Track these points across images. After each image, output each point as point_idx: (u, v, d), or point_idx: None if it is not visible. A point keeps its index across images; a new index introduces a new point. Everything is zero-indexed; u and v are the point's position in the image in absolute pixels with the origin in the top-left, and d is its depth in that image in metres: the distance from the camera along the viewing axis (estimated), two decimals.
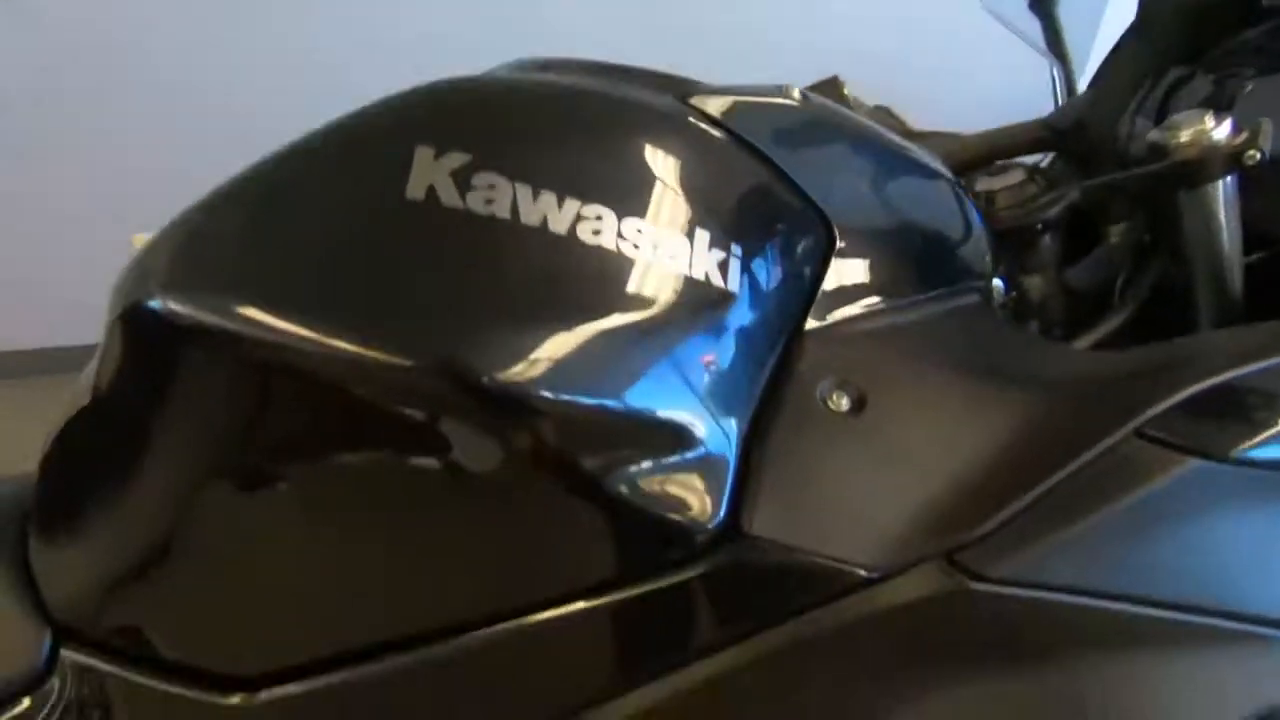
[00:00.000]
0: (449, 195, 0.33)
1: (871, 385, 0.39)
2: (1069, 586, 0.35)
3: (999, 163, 0.60)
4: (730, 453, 0.36)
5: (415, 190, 0.33)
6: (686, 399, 0.35)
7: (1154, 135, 0.50)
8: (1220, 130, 0.48)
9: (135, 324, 0.34)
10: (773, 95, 0.43)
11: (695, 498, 0.35)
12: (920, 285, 0.45)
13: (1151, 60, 0.54)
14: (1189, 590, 0.36)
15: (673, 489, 0.35)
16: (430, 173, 0.33)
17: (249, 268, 0.33)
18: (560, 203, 0.34)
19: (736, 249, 0.38)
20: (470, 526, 0.35)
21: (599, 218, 0.35)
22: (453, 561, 0.35)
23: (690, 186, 0.38)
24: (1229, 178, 0.49)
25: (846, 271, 0.42)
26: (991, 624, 0.35)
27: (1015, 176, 0.56)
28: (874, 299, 0.43)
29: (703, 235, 0.37)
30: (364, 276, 0.33)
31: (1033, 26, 0.73)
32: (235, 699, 0.37)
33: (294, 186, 0.35)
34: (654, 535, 0.35)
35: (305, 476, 0.34)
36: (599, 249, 0.34)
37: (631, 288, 0.35)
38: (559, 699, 0.37)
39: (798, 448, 0.37)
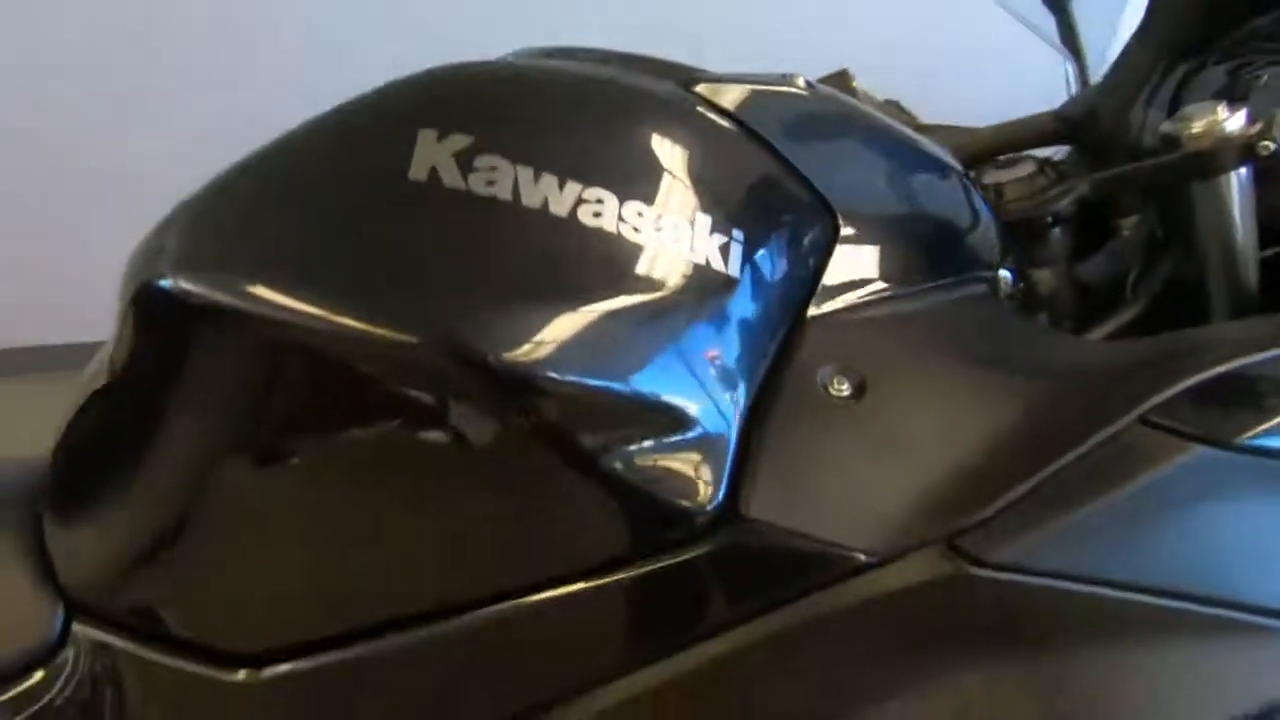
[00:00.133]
0: (451, 176, 0.34)
1: (873, 371, 0.39)
2: (1070, 573, 0.35)
3: (1008, 155, 0.59)
4: (729, 436, 0.36)
5: (418, 171, 0.34)
6: (686, 381, 0.35)
7: (1166, 127, 0.50)
8: (1234, 121, 0.48)
9: (147, 304, 0.34)
10: (778, 84, 0.44)
11: (694, 479, 0.35)
12: (925, 274, 0.45)
13: (1163, 51, 0.54)
14: (1191, 579, 0.36)
15: (671, 470, 0.35)
16: (433, 154, 0.34)
17: (258, 247, 0.34)
18: (561, 185, 0.34)
19: (738, 234, 0.38)
20: (472, 505, 0.35)
21: (600, 200, 0.35)
22: (455, 540, 0.36)
23: (692, 172, 0.38)
24: (1243, 169, 0.49)
25: (850, 260, 0.42)
26: (991, 609, 0.35)
27: (1025, 169, 0.56)
28: (878, 287, 0.43)
29: (704, 220, 0.37)
30: (368, 255, 0.33)
31: (1047, 22, 0.73)
32: (240, 675, 0.38)
33: (301, 167, 0.36)
34: (652, 516, 0.35)
35: (310, 454, 0.35)
36: (599, 231, 0.35)
37: (632, 270, 0.35)
38: (558, 679, 0.37)
39: (797, 432, 0.37)
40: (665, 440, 0.35)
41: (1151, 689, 0.36)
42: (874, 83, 0.64)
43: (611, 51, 0.45)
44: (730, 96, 0.41)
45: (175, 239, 0.35)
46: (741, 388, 0.37)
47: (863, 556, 0.35)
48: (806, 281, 0.41)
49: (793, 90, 0.44)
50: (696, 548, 0.35)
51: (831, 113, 0.45)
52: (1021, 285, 0.52)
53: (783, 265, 0.40)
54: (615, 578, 0.36)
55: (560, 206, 0.34)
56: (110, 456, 0.39)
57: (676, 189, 0.37)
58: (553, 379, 0.33)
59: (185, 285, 0.33)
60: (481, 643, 0.37)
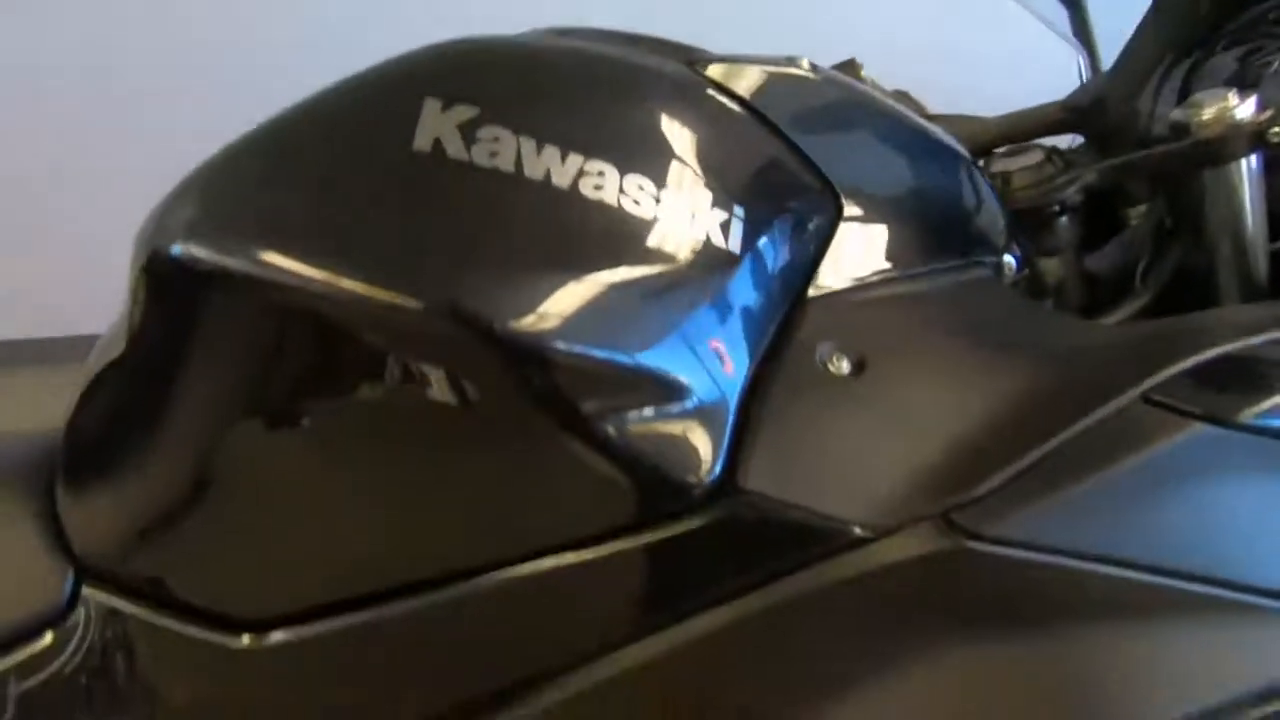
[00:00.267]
0: (455, 147, 0.34)
1: (872, 349, 0.39)
2: (1067, 549, 0.35)
3: (1017, 144, 0.59)
4: (728, 409, 0.36)
5: (422, 142, 0.34)
6: (685, 354, 0.36)
7: (1176, 114, 0.50)
8: (1244, 108, 0.48)
9: (157, 270, 0.35)
10: (783, 66, 0.44)
11: (692, 450, 0.35)
12: (928, 257, 0.45)
13: (1170, 37, 0.53)
14: (1190, 558, 0.36)
15: (670, 441, 0.35)
16: (437, 125, 0.34)
17: (266, 214, 0.35)
18: (564, 157, 0.35)
19: (739, 211, 0.38)
20: (473, 472, 0.36)
21: (601, 173, 0.35)
22: (455, 506, 0.36)
23: (694, 149, 0.38)
24: (1253, 156, 0.49)
25: (853, 241, 0.42)
26: (987, 584, 0.35)
27: (1033, 157, 0.56)
28: (880, 268, 0.43)
29: (705, 196, 0.37)
30: (373, 222, 0.34)
31: (1060, 16, 0.73)
32: (244, 640, 0.38)
33: (309, 137, 0.36)
34: (651, 486, 0.35)
35: (314, 418, 0.35)
36: (601, 204, 0.35)
37: (632, 243, 0.36)
38: (558, 649, 0.38)
39: (796, 408, 0.37)
40: (664, 411, 0.35)
41: (1148, 668, 0.36)
42: (880, 75, 0.64)
43: (620, 32, 0.45)
44: (735, 77, 0.42)
45: (185, 207, 0.35)
46: (740, 363, 0.37)
47: (859, 530, 0.35)
48: (808, 261, 0.41)
49: (797, 72, 0.44)
50: (694, 519, 0.36)
51: (836, 95, 0.45)
52: (1027, 271, 0.52)
53: (784, 244, 0.40)
54: (614, 548, 0.36)
55: (562, 178, 0.35)
56: (121, 424, 0.40)
57: (678, 165, 0.37)
58: (553, 347, 0.33)
59: (195, 251, 0.34)
60: (481, 611, 0.37)
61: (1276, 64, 0.51)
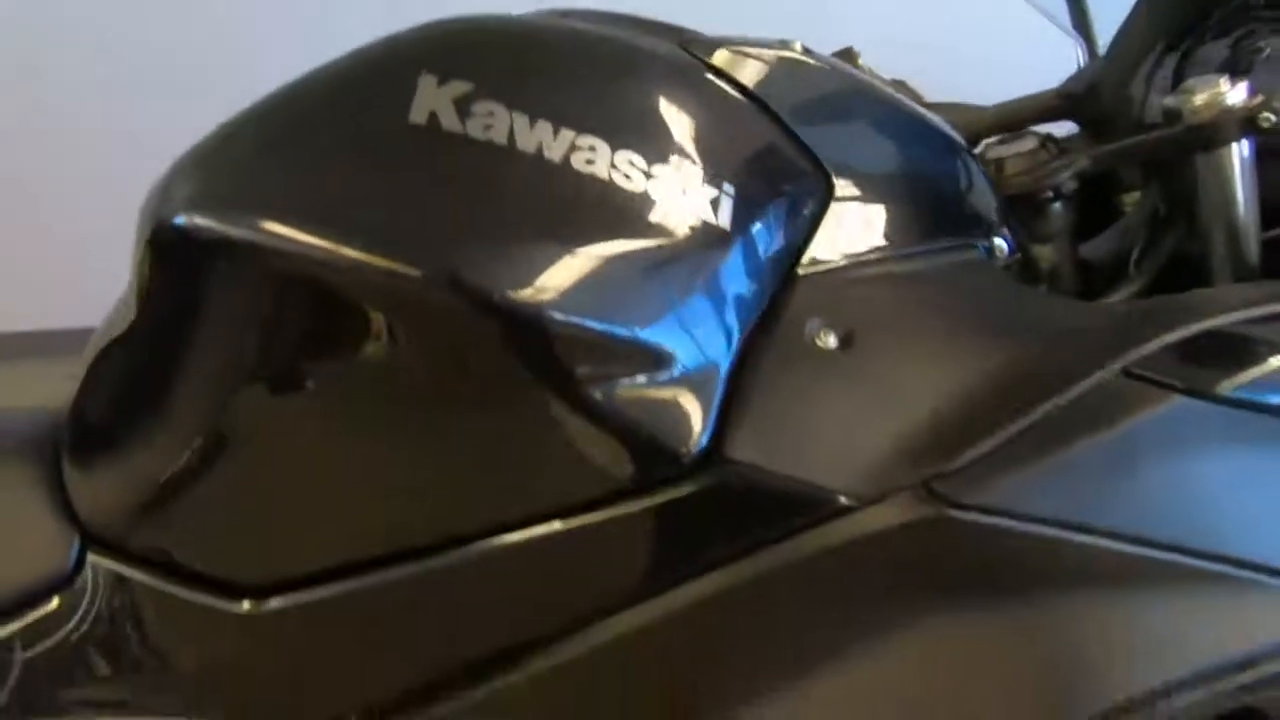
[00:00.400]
0: (450, 120, 0.35)
1: (860, 324, 0.40)
2: (1047, 517, 0.35)
3: (1011, 132, 0.60)
4: (716, 380, 0.37)
5: (418, 115, 0.35)
6: (674, 326, 0.37)
7: (1169, 100, 0.50)
8: (1235, 94, 0.48)
9: (162, 241, 0.36)
10: (775, 48, 0.45)
11: (681, 419, 0.36)
12: (918, 237, 0.45)
13: (1162, 22, 0.54)
14: (1169, 528, 0.36)
15: (659, 409, 0.36)
16: (433, 99, 0.35)
17: (267, 185, 0.36)
18: (556, 132, 0.36)
19: (729, 188, 0.39)
20: (467, 439, 0.37)
21: (592, 148, 0.36)
22: (450, 474, 0.37)
23: (685, 127, 0.39)
24: (1244, 141, 0.49)
25: (843, 221, 0.43)
26: (968, 551, 0.36)
27: (1027, 144, 0.56)
28: (870, 248, 0.43)
29: (695, 172, 0.38)
30: (371, 193, 0.35)
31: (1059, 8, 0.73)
32: (245, 605, 0.39)
33: (308, 110, 0.37)
34: (641, 453, 0.36)
35: (314, 386, 0.36)
36: (592, 178, 0.36)
37: (622, 216, 0.36)
38: (553, 614, 0.38)
39: (783, 380, 0.38)
40: (653, 380, 0.36)
41: (1127, 636, 0.36)
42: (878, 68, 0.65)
43: (615, 13, 0.46)
44: (728, 58, 0.43)
45: (188, 180, 0.36)
46: (728, 336, 0.38)
47: (844, 499, 0.36)
48: (798, 239, 0.42)
49: (791, 55, 0.45)
50: (683, 487, 0.37)
51: (829, 78, 0.46)
52: (1018, 255, 0.53)
53: (775, 222, 0.41)
54: (604, 515, 0.37)
55: (554, 152, 0.36)
56: (127, 394, 0.41)
57: (669, 142, 0.38)
58: (545, 315, 0.34)
59: (198, 221, 0.35)
60: (473, 578, 0.38)
61: (1268, 50, 0.51)
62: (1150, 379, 0.36)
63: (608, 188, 0.36)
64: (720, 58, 0.43)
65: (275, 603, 0.39)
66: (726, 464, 0.36)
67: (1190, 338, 0.37)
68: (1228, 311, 0.38)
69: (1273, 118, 0.48)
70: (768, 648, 0.38)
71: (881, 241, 0.44)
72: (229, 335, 0.37)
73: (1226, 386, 0.37)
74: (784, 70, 0.44)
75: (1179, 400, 0.36)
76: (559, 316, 0.34)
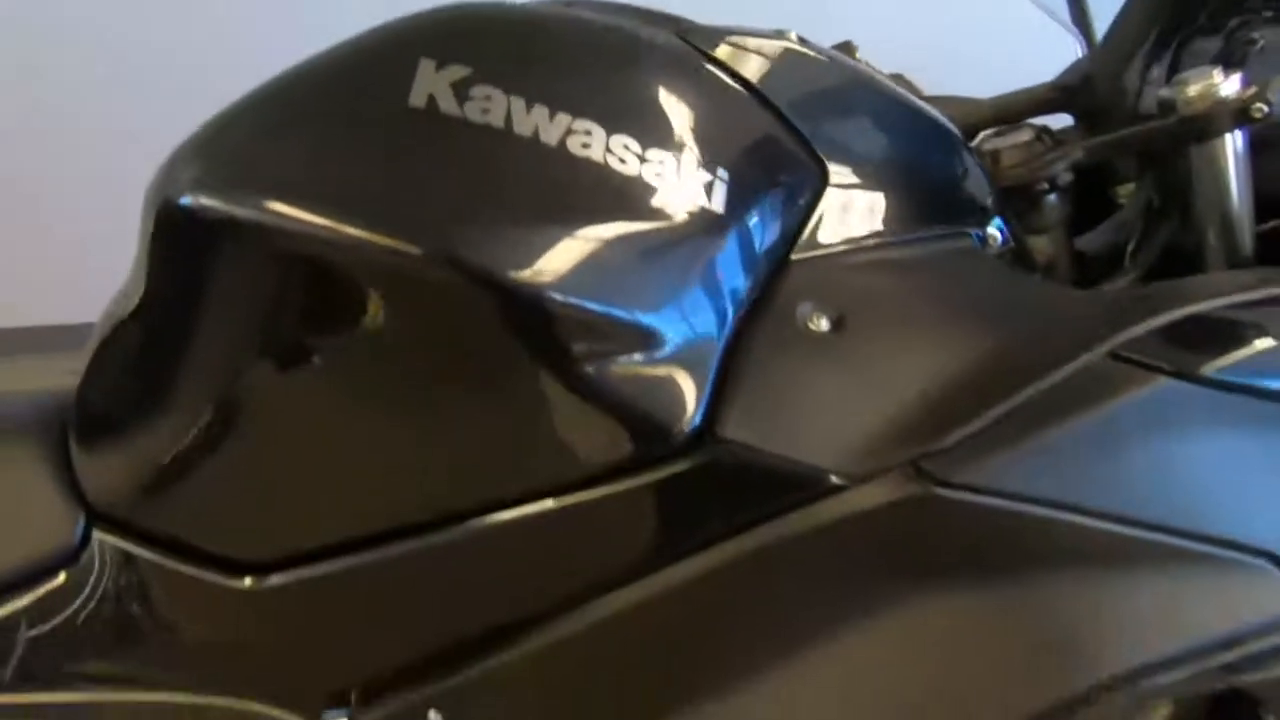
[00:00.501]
0: (448, 104, 0.36)
1: (851, 308, 0.40)
2: (1034, 496, 0.36)
3: (1008, 124, 0.60)
4: (708, 360, 0.38)
5: (417, 98, 0.36)
6: (666, 306, 0.37)
7: (1163, 92, 0.50)
8: (1229, 85, 0.49)
9: (167, 221, 0.37)
10: (772, 38, 0.45)
11: (674, 398, 0.37)
12: (911, 225, 0.46)
13: (1156, 14, 0.54)
14: (1153, 508, 0.37)
15: (653, 387, 0.37)
16: (431, 83, 0.36)
17: (269, 166, 0.36)
18: (552, 116, 0.37)
19: (723, 174, 0.40)
20: (463, 417, 0.37)
21: (588, 132, 0.37)
22: (447, 451, 0.38)
23: (680, 113, 0.40)
24: (1238, 132, 0.49)
25: (837, 208, 0.44)
26: (955, 529, 0.36)
27: (1023, 136, 0.57)
28: (863, 234, 0.44)
29: (689, 157, 0.39)
30: (371, 174, 0.36)
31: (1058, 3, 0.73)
32: (246, 582, 0.40)
33: (309, 93, 0.38)
34: (634, 431, 0.37)
35: (316, 362, 0.37)
36: (587, 161, 0.37)
37: (617, 199, 0.37)
38: (546, 592, 0.39)
39: (775, 362, 0.39)
40: (646, 359, 0.36)
41: (1111, 615, 0.37)
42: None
43: (615, 3, 0.47)
44: (724, 47, 0.43)
45: (193, 162, 0.37)
46: (722, 318, 0.39)
47: (834, 477, 0.36)
48: (792, 226, 0.43)
49: (785, 44, 0.46)
50: (675, 465, 0.37)
51: (824, 66, 0.47)
52: (1012, 244, 0.53)
53: (769, 208, 0.42)
54: (599, 492, 0.37)
55: (550, 136, 0.37)
56: (133, 374, 0.41)
57: (664, 127, 0.39)
58: (539, 294, 0.35)
59: (203, 201, 0.36)
60: (470, 556, 0.39)
61: (1261, 41, 0.52)
62: (1137, 361, 0.37)
63: (603, 171, 0.37)
64: (717, 47, 0.43)
65: (276, 579, 0.40)
66: (719, 443, 0.37)
67: (1177, 322, 0.38)
68: (1215, 296, 0.39)
69: (1265, 108, 0.48)
70: (760, 624, 0.38)
71: (875, 228, 0.44)
72: (233, 313, 0.38)
73: (1212, 368, 0.37)
74: (780, 59, 0.45)
75: (1165, 382, 0.37)
76: (553, 295, 0.35)
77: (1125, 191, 0.59)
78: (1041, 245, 0.58)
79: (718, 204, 0.39)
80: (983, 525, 0.36)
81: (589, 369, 0.36)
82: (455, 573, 0.39)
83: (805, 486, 0.37)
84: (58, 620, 0.42)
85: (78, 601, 0.42)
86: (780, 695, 0.38)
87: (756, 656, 0.38)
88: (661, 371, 0.37)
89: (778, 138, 0.43)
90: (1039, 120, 0.61)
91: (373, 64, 0.38)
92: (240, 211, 0.35)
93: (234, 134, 0.38)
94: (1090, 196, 0.60)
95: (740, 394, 0.38)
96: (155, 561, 0.41)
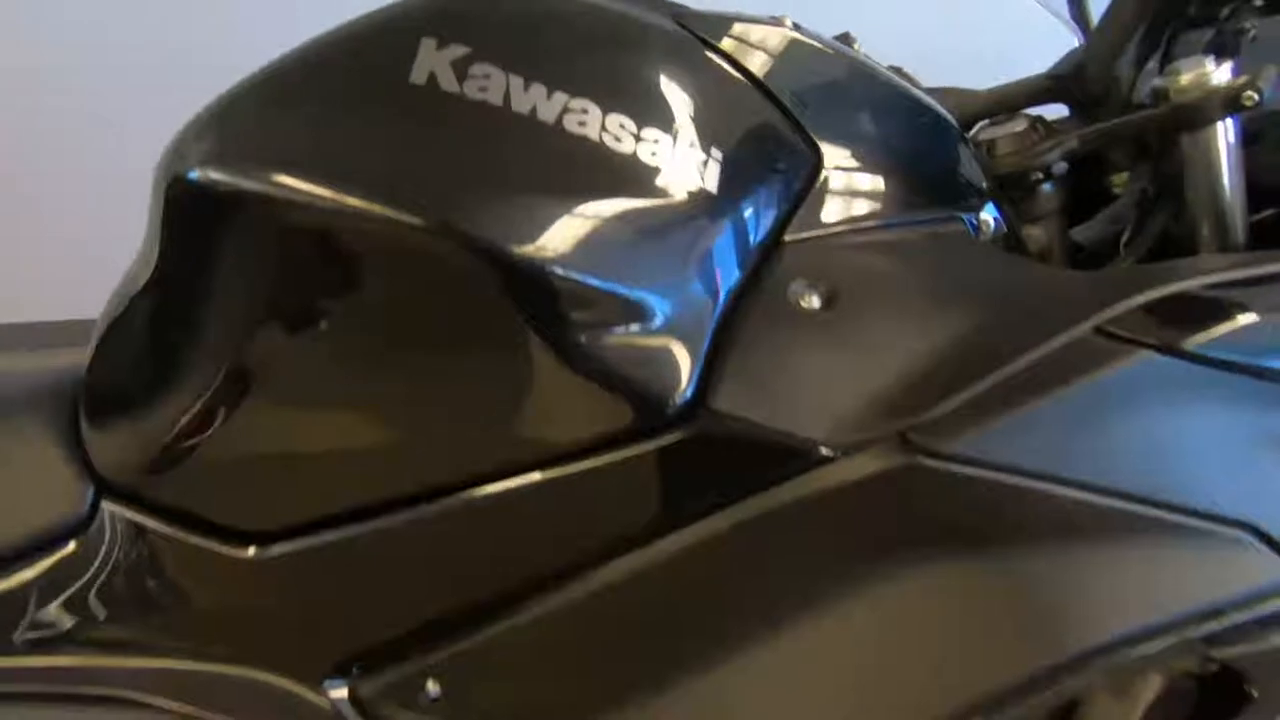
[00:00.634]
0: (448, 81, 0.37)
1: (842, 286, 0.41)
2: (1019, 468, 0.37)
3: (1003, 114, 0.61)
4: (700, 335, 0.39)
5: (418, 76, 0.37)
6: (659, 281, 0.38)
7: (1156, 81, 0.51)
8: (1220, 74, 0.49)
9: (177, 195, 0.38)
10: (768, 24, 0.46)
11: (666, 368, 0.38)
12: (905, 209, 0.47)
13: (1151, 2, 0.55)
14: (1136, 480, 0.37)
15: (646, 359, 0.38)
16: (432, 61, 0.37)
17: (276, 140, 0.38)
18: (549, 94, 0.38)
19: (717, 154, 0.41)
20: (463, 386, 0.38)
21: (584, 111, 0.38)
22: (446, 421, 0.39)
23: (675, 94, 0.41)
24: (1229, 120, 0.50)
25: (830, 190, 0.45)
26: (941, 499, 0.37)
27: (1018, 125, 0.57)
28: (856, 216, 0.45)
29: (684, 137, 0.40)
30: (374, 148, 0.37)
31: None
32: (250, 551, 0.41)
33: (314, 71, 0.39)
34: (627, 402, 0.38)
35: (321, 334, 0.38)
36: (584, 139, 0.38)
37: (612, 176, 0.38)
38: (541, 562, 0.40)
39: (766, 337, 0.40)
40: (641, 332, 0.37)
41: (1094, 586, 0.37)
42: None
43: None
44: (720, 31, 0.44)
45: (201, 137, 0.38)
46: (714, 294, 0.40)
47: (822, 449, 0.37)
48: (785, 208, 0.43)
49: (781, 29, 0.46)
50: (667, 436, 0.38)
51: (819, 52, 0.48)
52: (1006, 231, 0.54)
53: (762, 189, 0.42)
54: (593, 462, 0.38)
55: (547, 114, 0.38)
56: (143, 347, 0.43)
57: (660, 108, 0.40)
58: (534, 266, 0.36)
59: (212, 175, 0.37)
60: (465, 526, 0.40)
61: (1253, 32, 0.53)
62: (1122, 336, 0.37)
63: (599, 148, 0.38)
64: (713, 31, 0.44)
65: (279, 548, 0.41)
66: (710, 415, 0.38)
67: (1163, 298, 0.39)
68: (1199, 276, 0.39)
69: (1256, 97, 0.49)
70: (750, 593, 0.39)
71: (868, 211, 0.45)
72: (240, 285, 0.39)
73: (1195, 343, 0.38)
74: (776, 45, 0.46)
75: (1149, 356, 0.37)
76: (549, 268, 0.36)
77: (1120, 181, 0.59)
78: (1037, 234, 0.59)
79: (711, 183, 0.40)
80: (968, 496, 0.37)
81: (584, 340, 0.37)
82: (454, 542, 0.40)
83: (795, 457, 0.37)
84: (67, 588, 0.43)
85: (87, 570, 0.43)
86: (770, 663, 0.38)
87: (747, 625, 0.39)
88: (655, 344, 0.38)
89: (772, 121, 0.44)
90: (1035, 110, 0.62)
91: (376, 43, 0.39)
92: (248, 185, 0.36)
93: (242, 110, 0.39)
94: (1087, 189, 0.60)
95: (732, 367, 0.38)
96: (162, 531, 0.42)
